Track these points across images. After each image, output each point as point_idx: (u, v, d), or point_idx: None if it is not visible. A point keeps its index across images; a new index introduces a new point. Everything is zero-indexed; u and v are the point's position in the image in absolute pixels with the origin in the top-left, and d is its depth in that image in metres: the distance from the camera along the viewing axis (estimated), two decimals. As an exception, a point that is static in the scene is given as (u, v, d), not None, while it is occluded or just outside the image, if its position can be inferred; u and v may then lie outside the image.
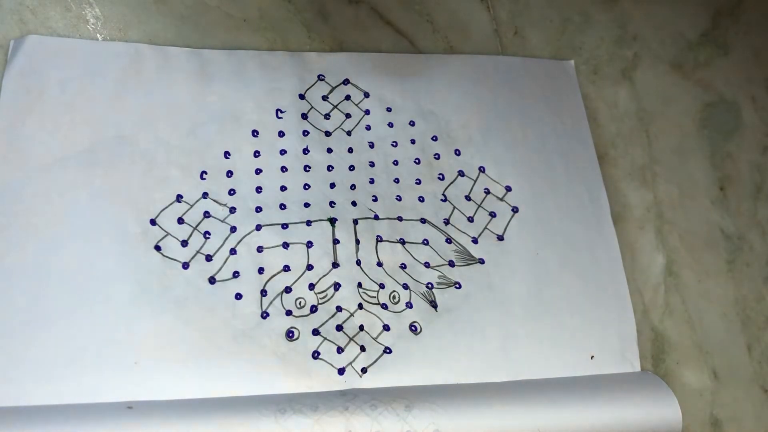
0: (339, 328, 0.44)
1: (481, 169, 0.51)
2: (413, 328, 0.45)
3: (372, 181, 0.49)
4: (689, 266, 0.52)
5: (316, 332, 0.43)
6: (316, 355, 0.43)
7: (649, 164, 0.54)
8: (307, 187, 0.48)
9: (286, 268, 0.45)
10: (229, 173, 0.46)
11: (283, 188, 0.47)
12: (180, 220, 0.45)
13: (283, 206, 0.46)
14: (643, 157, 0.55)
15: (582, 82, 0.56)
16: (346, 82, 0.52)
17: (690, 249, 0.52)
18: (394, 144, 0.50)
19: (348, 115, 0.51)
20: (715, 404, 0.48)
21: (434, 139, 0.51)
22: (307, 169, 0.48)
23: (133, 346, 0.41)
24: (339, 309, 0.44)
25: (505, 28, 0.57)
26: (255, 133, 0.48)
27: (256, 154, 0.48)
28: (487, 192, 0.50)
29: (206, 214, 0.45)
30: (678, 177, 0.54)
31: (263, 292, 0.44)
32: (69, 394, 0.39)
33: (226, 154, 0.47)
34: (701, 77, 0.59)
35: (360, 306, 0.45)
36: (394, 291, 0.45)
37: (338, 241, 0.46)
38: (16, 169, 0.44)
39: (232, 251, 0.44)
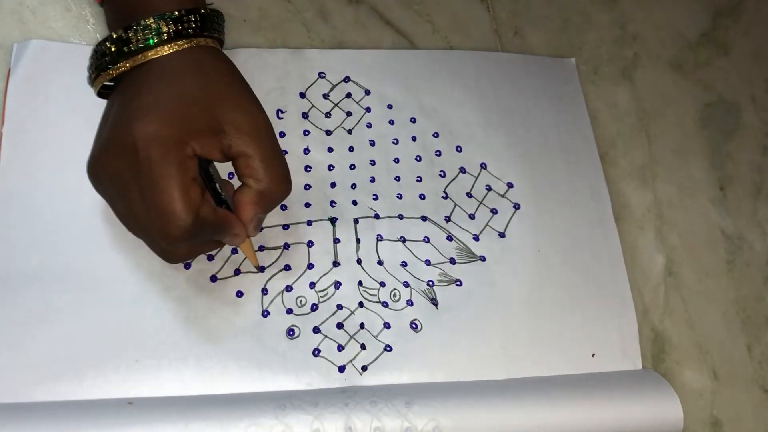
0: (339, 326, 0.44)
1: (483, 166, 0.51)
2: (414, 326, 0.45)
3: (373, 180, 0.49)
4: (689, 266, 0.52)
5: (316, 330, 0.43)
6: (316, 352, 0.43)
7: (649, 164, 0.54)
8: (307, 187, 0.48)
9: (287, 268, 0.45)
10: (230, 175, 0.46)
11: None
12: None
13: (284, 207, 0.46)
14: (643, 157, 0.55)
15: (582, 82, 0.56)
16: (347, 79, 0.51)
17: (690, 249, 0.52)
18: (395, 141, 0.50)
19: (349, 113, 0.51)
20: (715, 404, 0.48)
21: (435, 135, 0.51)
22: (308, 169, 0.48)
23: (134, 344, 0.41)
24: (339, 307, 0.44)
25: (505, 28, 0.57)
26: None
27: None
28: (489, 189, 0.50)
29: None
30: (678, 177, 0.54)
31: (264, 291, 0.44)
32: (70, 392, 0.39)
33: None
34: (701, 77, 0.59)
35: (360, 304, 0.45)
36: (394, 289, 0.45)
37: (339, 240, 0.46)
38: (22, 174, 0.44)
39: (234, 251, 0.44)
